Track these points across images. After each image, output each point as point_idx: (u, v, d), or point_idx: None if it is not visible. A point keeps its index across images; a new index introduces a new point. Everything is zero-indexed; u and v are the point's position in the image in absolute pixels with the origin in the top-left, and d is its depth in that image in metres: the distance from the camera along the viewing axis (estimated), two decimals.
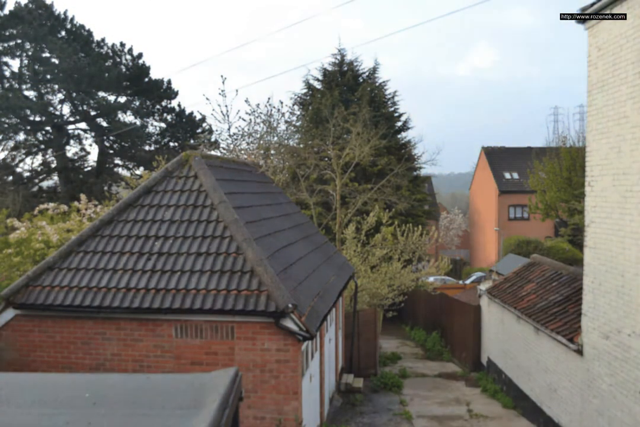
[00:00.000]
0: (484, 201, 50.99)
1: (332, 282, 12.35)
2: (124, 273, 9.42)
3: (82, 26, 40.28)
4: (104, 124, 42.09)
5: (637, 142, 8.45)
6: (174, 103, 42.45)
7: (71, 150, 42.58)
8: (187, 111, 42.32)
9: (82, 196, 18.01)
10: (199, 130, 41.35)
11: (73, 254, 9.89)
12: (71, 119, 41.62)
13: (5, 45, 38.35)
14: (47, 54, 38.82)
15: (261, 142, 20.01)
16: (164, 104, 42.23)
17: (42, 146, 41.16)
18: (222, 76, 20.45)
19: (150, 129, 42.68)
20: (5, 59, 38.85)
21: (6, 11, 37.77)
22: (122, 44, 40.96)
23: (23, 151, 40.69)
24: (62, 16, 39.63)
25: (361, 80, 34.59)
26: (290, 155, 20.81)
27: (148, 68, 41.41)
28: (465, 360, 18.77)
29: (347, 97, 33.04)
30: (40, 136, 41.13)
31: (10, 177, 39.79)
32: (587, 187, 10.08)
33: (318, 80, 34.79)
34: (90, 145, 43.11)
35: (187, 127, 42.10)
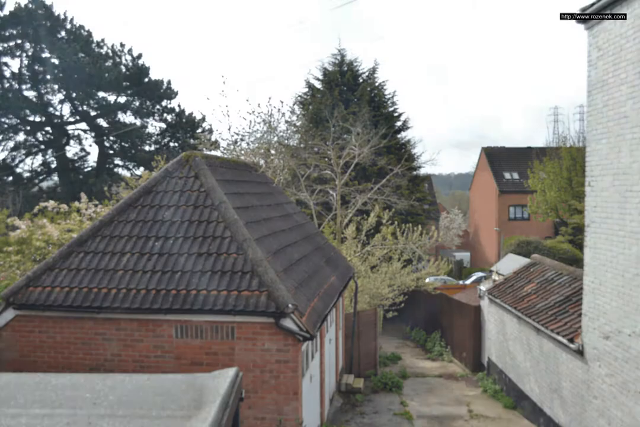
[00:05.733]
0: (484, 201, 50.97)
1: (332, 283, 12.35)
2: (124, 273, 9.42)
3: (81, 26, 40.32)
4: (104, 124, 42.11)
5: (637, 142, 8.44)
6: (174, 103, 42.56)
7: (71, 150, 42.67)
8: (187, 111, 42.42)
9: (83, 195, 18.00)
10: (199, 130, 41.41)
11: (73, 254, 9.88)
12: (71, 119, 41.64)
13: (5, 45, 38.37)
14: (47, 54, 38.85)
15: (261, 141, 20.01)
16: (164, 104, 42.27)
17: (42, 146, 41.18)
18: (222, 76, 20.49)
19: (150, 129, 42.75)
20: (5, 59, 38.91)
21: (6, 11, 37.82)
22: (122, 44, 41.01)
23: (23, 151, 40.71)
24: (62, 16, 39.65)
25: (361, 80, 34.63)
26: (290, 155, 20.80)
27: (148, 68, 41.44)
28: (465, 360, 18.77)
29: (347, 96, 33.08)
30: (40, 136, 41.15)
31: (10, 178, 39.81)
32: (587, 187, 10.08)
33: (318, 79, 34.85)
34: (90, 145, 43.31)
35: (187, 127, 42.13)
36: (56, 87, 39.56)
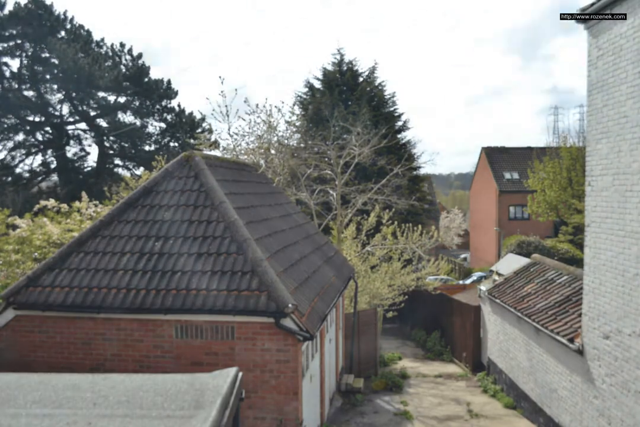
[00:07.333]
0: (484, 201, 50.97)
1: (332, 283, 12.35)
2: (124, 273, 9.42)
3: (81, 26, 40.32)
4: (104, 124, 42.09)
5: (637, 142, 8.44)
6: (173, 103, 42.48)
7: (71, 150, 42.61)
8: (187, 111, 42.40)
9: (83, 195, 17.99)
10: (199, 130, 41.40)
11: (73, 254, 9.88)
12: (71, 119, 41.63)
13: (5, 45, 38.39)
14: (46, 54, 38.85)
15: (261, 141, 19.99)
16: (163, 104, 42.23)
17: (42, 146, 41.16)
18: (220, 77, 20.55)
19: (150, 129, 42.72)
20: (5, 59, 38.92)
21: (6, 11, 37.82)
22: (122, 44, 41.00)
23: (23, 151, 40.71)
24: (62, 16, 39.66)
25: (360, 80, 34.65)
26: (290, 155, 20.78)
27: (148, 68, 41.41)
28: (465, 360, 18.77)
29: (346, 96, 33.09)
30: (40, 136, 41.16)
31: (10, 178, 39.80)
32: (587, 187, 10.08)
33: (318, 79, 34.88)
34: (90, 145, 43.13)
35: (187, 127, 42.11)
36: (56, 87, 39.57)
